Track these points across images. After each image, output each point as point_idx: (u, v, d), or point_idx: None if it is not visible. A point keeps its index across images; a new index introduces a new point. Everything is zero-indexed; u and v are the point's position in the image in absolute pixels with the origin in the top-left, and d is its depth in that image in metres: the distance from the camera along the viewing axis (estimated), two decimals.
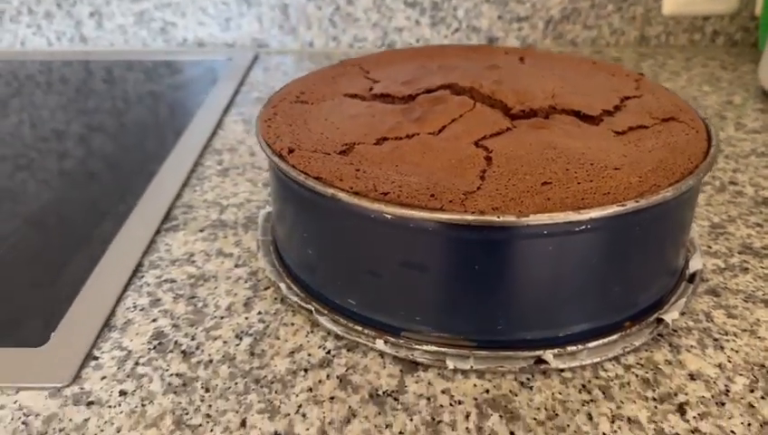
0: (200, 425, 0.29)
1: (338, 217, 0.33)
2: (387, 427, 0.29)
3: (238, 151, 0.56)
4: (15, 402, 0.31)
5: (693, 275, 0.38)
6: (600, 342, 0.33)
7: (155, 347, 0.34)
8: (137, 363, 0.33)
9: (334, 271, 0.35)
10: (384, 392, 0.31)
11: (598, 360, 0.32)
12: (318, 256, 0.35)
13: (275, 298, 0.38)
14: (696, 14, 0.80)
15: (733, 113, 0.63)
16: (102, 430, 0.29)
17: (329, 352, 0.34)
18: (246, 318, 0.36)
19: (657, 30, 0.81)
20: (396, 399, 0.31)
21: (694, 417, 0.30)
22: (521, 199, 0.30)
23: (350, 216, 0.32)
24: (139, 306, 0.37)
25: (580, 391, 0.31)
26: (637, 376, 0.32)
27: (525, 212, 0.29)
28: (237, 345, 0.34)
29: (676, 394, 0.31)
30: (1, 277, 0.42)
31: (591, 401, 0.30)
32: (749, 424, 0.29)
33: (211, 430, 0.29)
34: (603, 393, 0.31)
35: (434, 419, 0.30)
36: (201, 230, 0.44)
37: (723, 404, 0.30)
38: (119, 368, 0.33)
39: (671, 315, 0.34)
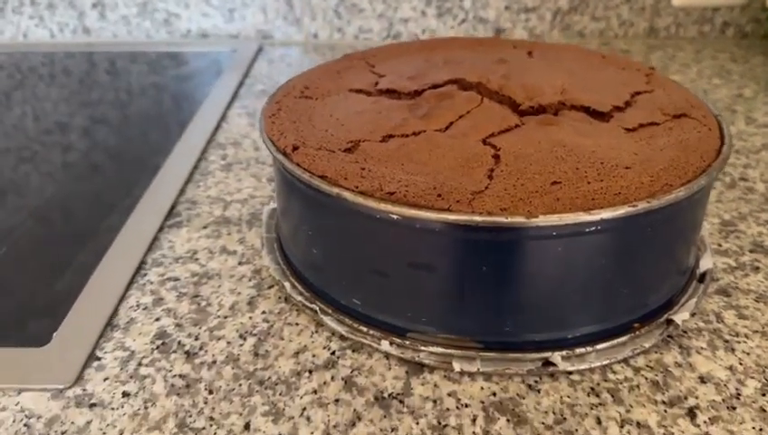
0: (203, 428, 0.29)
1: (343, 217, 0.32)
2: (392, 431, 0.29)
3: (242, 146, 0.55)
4: (17, 404, 0.30)
5: (703, 275, 0.38)
6: (609, 344, 0.32)
7: (158, 347, 0.34)
8: (140, 364, 0.33)
9: (339, 270, 0.34)
10: (389, 395, 0.31)
11: (606, 362, 0.32)
12: (323, 254, 0.35)
13: (279, 297, 0.37)
14: (706, 5, 0.79)
15: (743, 107, 0.62)
16: (105, 433, 0.29)
17: (333, 353, 0.33)
18: (250, 318, 0.36)
19: (667, 21, 0.80)
20: (401, 401, 0.30)
21: (704, 421, 0.29)
22: (530, 199, 0.29)
23: (356, 215, 0.31)
24: (142, 305, 0.37)
25: (588, 395, 0.30)
26: (646, 379, 0.31)
27: (534, 213, 0.28)
28: (241, 346, 0.34)
29: (686, 398, 0.30)
30: (4, 275, 0.42)
31: (600, 404, 0.30)
32: (761, 429, 0.29)
33: (214, 434, 0.29)
34: (612, 397, 0.30)
35: (440, 422, 0.29)
36: (205, 227, 0.44)
37: (734, 408, 0.30)
38: (121, 369, 0.32)
39: (681, 316, 0.34)
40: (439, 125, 0.35)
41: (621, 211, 0.29)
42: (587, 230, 0.29)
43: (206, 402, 0.30)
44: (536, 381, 0.31)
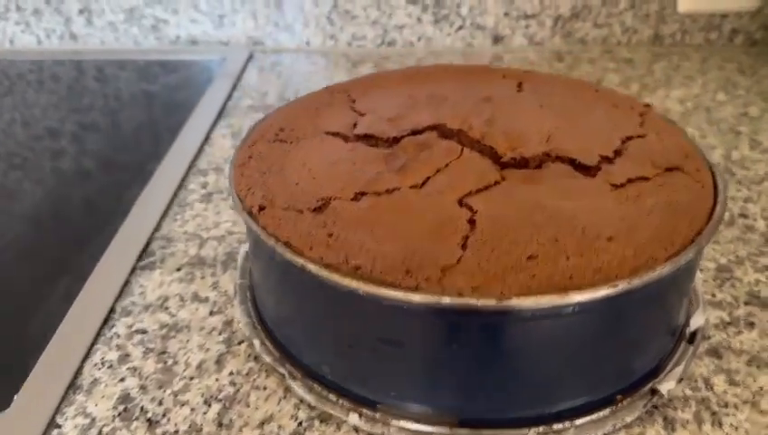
0: None
1: (309, 286, 0.30)
2: None
3: (224, 172, 0.53)
4: None
5: (694, 334, 0.36)
6: (589, 418, 0.31)
7: (120, 414, 0.32)
8: (100, 433, 0.31)
9: (307, 337, 0.33)
10: None
11: None
12: (291, 318, 0.33)
13: (249, 355, 0.36)
14: (713, 12, 0.76)
15: (748, 128, 0.59)
16: None
17: (300, 424, 0.32)
18: (217, 380, 0.34)
19: (673, 28, 0.77)
20: None
21: None
22: (503, 277, 0.27)
23: (322, 286, 0.30)
24: (107, 363, 0.35)
25: None
26: None
27: (507, 295, 0.27)
28: (205, 413, 0.32)
29: None
30: None
31: None
32: None
33: None
34: None
35: None
36: (178, 269, 0.42)
37: None
38: None
39: (667, 386, 0.32)
40: (415, 181, 0.33)
41: (600, 293, 0.27)
42: (563, 312, 0.27)
43: None
44: None
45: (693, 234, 0.30)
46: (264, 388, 0.34)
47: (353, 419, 0.31)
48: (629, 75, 0.71)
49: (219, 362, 0.35)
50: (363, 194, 0.33)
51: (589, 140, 0.37)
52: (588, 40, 0.78)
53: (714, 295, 0.40)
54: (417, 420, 0.31)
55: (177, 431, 0.31)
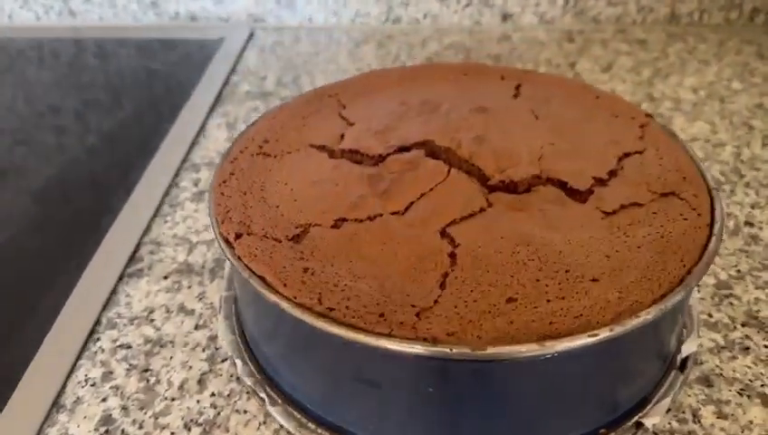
0: None
1: (285, 320, 0.30)
2: None
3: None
4: None
5: (685, 361, 0.35)
6: None
7: None
8: None
9: (285, 365, 0.32)
10: None
11: None
12: (269, 346, 0.33)
13: (231, 375, 0.35)
14: None
15: (763, 122, 0.57)
16: None
17: None
18: (198, 401, 0.34)
19: (691, 7, 0.73)
20: None
21: None
22: (480, 322, 0.27)
23: (297, 322, 0.29)
24: (90, 380, 0.35)
25: None
26: None
27: (482, 344, 0.26)
28: None
29: None
30: None
31: None
32: None
33: None
34: None
35: None
36: (165, 277, 0.42)
37: None
38: None
39: (652, 420, 0.31)
40: (398, 206, 0.32)
41: (579, 342, 0.26)
42: (541, 359, 0.27)
43: None
44: None
45: (683, 273, 0.29)
46: (245, 411, 0.34)
47: None
48: (642, 59, 0.68)
49: (201, 381, 0.35)
50: (344, 220, 0.32)
51: (582, 158, 0.35)
52: (601, 19, 0.75)
53: (710, 316, 0.38)
54: None
55: None
